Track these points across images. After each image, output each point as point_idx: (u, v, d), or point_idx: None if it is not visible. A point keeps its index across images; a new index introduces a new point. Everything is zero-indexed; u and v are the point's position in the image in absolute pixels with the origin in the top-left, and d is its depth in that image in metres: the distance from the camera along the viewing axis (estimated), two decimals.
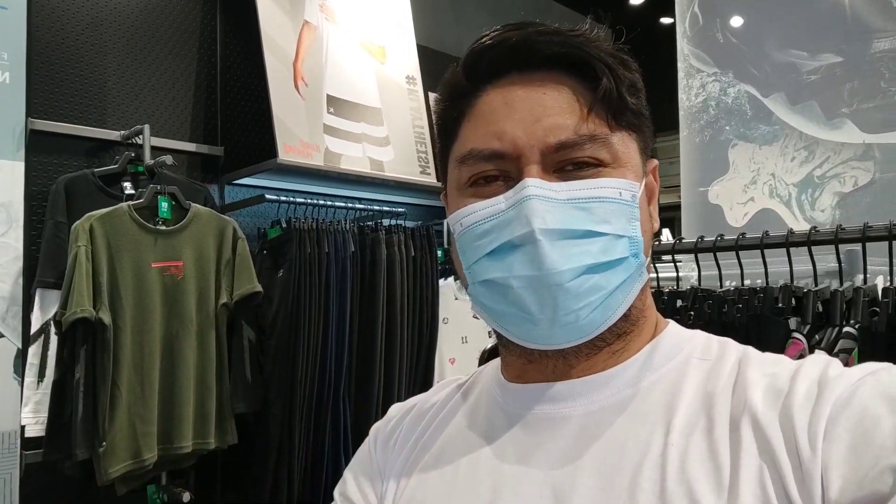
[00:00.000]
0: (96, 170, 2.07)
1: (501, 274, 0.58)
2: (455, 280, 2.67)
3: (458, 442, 0.67)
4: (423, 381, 2.56)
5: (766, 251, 1.29)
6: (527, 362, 0.64)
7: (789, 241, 1.21)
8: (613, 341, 0.61)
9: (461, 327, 2.75)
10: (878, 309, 1.13)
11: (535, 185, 0.57)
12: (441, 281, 2.66)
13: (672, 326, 0.66)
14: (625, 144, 0.60)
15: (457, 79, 0.64)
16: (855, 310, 1.10)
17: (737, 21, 2.26)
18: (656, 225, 0.67)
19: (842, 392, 0.50)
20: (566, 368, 0.62)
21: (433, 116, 0.70)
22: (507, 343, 0.65)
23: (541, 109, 0.58)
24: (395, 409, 0.80)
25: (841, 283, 1.16)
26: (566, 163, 0.58)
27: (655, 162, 0.67)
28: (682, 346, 0.63)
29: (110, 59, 2.23)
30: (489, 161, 0.60)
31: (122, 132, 2.18)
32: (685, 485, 0.51)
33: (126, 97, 2.26)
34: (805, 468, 0.48)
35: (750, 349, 0.62)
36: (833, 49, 2.00)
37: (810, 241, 1.19)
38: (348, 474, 0.76)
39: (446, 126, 0.66)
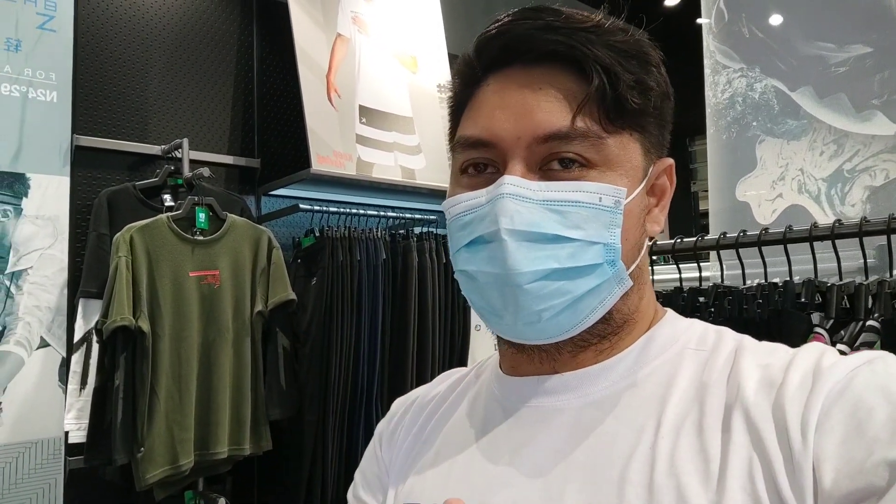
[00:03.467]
0: (137, 183, 2.14)
1: (473, 267, 0.59)
2: None
3: (456, 435, 0.68)
4: None
5: (796, 248, 1.25)
6: (517, 352, 0.64)
7: (813, 236, 1.18)
8: (596, 342, 0.61)
9: (493, 334, 2.71)
10: None
11: (511, 184, 0.56)
12: None
13: (669, 316, 0.65)
14: (621, 146, 0.58)
15: (463, 66, 0.64)
16: (879, 303, 1.06)
17: (763, 15, 2.21)
18: (658, 228, 0.64)
19: (835, 383, 0.49)
20: (552, 363, 0.62)
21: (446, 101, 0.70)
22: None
23: (533, 104, 0.58)
24: (398, 404, 0.81)
25: (866, 278, 1.12)
26: (553, 157, 0.57)
27: (670, 161, 0.64)
28: (677, 336, 0.62)
29: (151, 77, 2.31)
30: (475, 149, 0.60)
31: (163, 146, 2.26)
32: (674, 478, 0.51)
33: (166, 113, 2.34)
34: (796, 460, 0.47)
35: (746, 338, 0.60)
36: (862, 40, 1.93)
37: (834, 234, 1.15)
38: (358, 476, 0.78)
39: (452, 112, 0.67)
